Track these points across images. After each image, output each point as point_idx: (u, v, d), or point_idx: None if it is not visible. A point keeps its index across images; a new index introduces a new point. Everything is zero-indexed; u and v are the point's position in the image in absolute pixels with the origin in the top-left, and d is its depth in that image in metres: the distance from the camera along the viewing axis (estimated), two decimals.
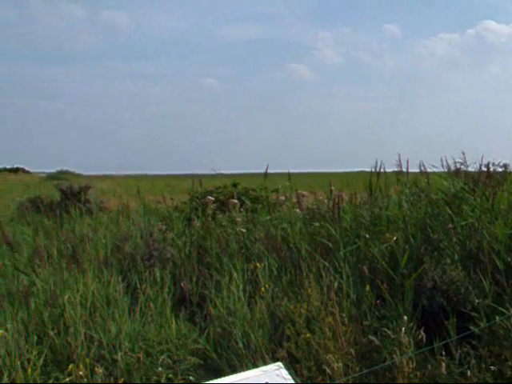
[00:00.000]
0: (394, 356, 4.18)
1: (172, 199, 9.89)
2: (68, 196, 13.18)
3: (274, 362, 4.05)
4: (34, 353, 4.26)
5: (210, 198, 8.45)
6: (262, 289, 5.33)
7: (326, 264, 5.64)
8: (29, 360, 4.20)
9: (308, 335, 4.60)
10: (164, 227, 8.06)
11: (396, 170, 7.06)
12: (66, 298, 4.81)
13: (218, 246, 6.75)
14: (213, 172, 10.98)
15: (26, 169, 65.54)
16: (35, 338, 4.54)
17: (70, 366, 4.09)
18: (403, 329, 4.32)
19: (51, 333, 4.62)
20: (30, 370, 4.10)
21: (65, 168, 50.12)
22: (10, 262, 6.39)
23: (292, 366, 4.44)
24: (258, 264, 5.77)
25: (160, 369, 4.38)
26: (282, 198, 8.65)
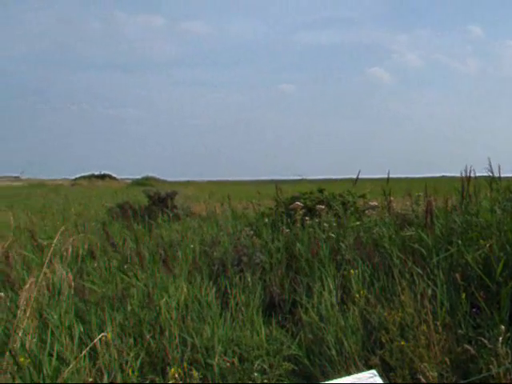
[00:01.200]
0: (491, 367, 4.01)
1: (259, 205, 9.91)
2: (155, 201, 13.42)
3: (368, 369, 3.97)
4: (131, 355, 4.32)
5: (299, 203, 8.42)
6: (357, 295, 5.24)
7: (419, 271, 5.51)
8: (126, 362, 4.26)
9: (402, 343, 4.50)
10: (251, 232, 8.07)
11: (486, 174, 6.83)
12: (162, 301, 4.86)
13: (307, 251, 6.69)
14: (298, 177, 10.95)
15: (113, 175, 67.18)
16: (132, 340, 4.61)
17: (173, 370, 4.12)
18: (500, 339, 4.14)
19: (147, 335, 4.68)
20: (130, 371, 4.16)
21: (150, 174, 51.13)
22: (107, 263, 6.53)
23: (385, 373, 4.35)
24: (352, 270, 5.69)
25: (256, 374, 4.36)
26: (372, 203, 8.53)
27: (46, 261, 4.50)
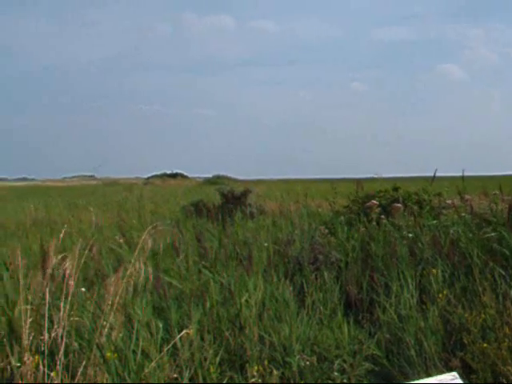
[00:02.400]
0: None
1: (333, 203, 9.85)
2: (229, 200, 13.49)
3: (448, 371, 3.90)
4: (211, 351, 4.36)
5: (375, 202, 8.33)
6: (440, 295, 5.15)
7: (502, 271, 5.38)
8: (205, 358, 4.30)
9: (484, 345, 4.40)
10: (326, 231, 8.04)
11: None
12: (243, 299, 4.89)
13: (384, 250, 6.62)
14: (373, 176, 10.85)
15: (184, 174, 68.02)
16: (211, 337, 4.65)
17: (254, 368, 4.15)
18: None
19: (227, 333, 4.72)
20: (211, 368, 4.20)
21: (221, 173, 51.51)
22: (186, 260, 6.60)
23: (466, 376, 4.26)
24: (433, 270, 5.59)
25: (336, 374, 4.34)
26: (449, 201, 8.37)
27: (133, 257, 4.60)
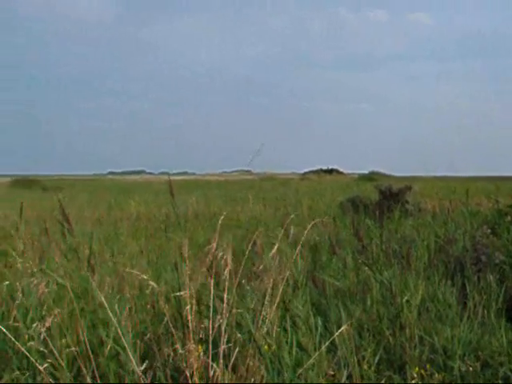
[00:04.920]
0: None
1: (496, 201, 9.45)
2: (386, 197, 13.31)
3: None
4: (369, 350, 4.32)
5: None
6: None
7: None
8: (363, 357, 4.27)
9: None
10: (488, 231, 7.72)
11: None
12: (404, 298, 4.81)
13: None
14: None
15: (340, 169, 68.12)
16: (370, 335, 4.62)
17: (416, 370, 4.08)
18: None
19: (387, 332, 4.67)
20: (367, 367, 4.17)
21: (376, 169, 51.02)
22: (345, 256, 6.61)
23: None
24: None
25: (500, 382, 4.17)
26: None
27: (296, 251, 4.65)
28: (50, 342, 3.70)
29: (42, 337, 3.70)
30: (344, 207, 13.26)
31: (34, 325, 3.76)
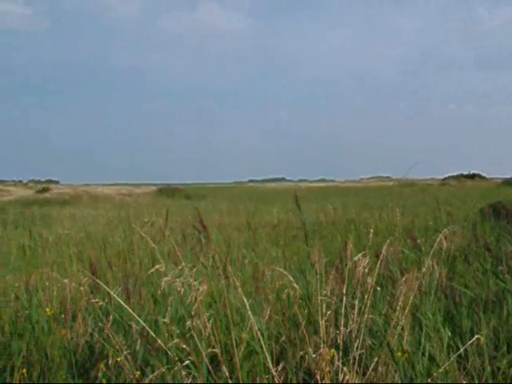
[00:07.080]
0: None
1: None
2: None
3: None
4: (504, 361, 4.18)
5: None
6: None
7: None
8: (498, 368, 4.14)
9: None
10: None
11: None
12: None
13: None
14: None
15: (482, 174, 65.63)
16: (505, 347, 4.45)
17: None
18: None
19: None
20: (500, 377, 4.05)
21: None
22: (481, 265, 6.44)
23: None
24: None
25: None
26: None
27: (428, 259, 4.60)
28: (191, 341, 3.85)
29: (187, 335, 3.88)
30: (484, 213, 12.78)
31: (188, 322, 3.90)
